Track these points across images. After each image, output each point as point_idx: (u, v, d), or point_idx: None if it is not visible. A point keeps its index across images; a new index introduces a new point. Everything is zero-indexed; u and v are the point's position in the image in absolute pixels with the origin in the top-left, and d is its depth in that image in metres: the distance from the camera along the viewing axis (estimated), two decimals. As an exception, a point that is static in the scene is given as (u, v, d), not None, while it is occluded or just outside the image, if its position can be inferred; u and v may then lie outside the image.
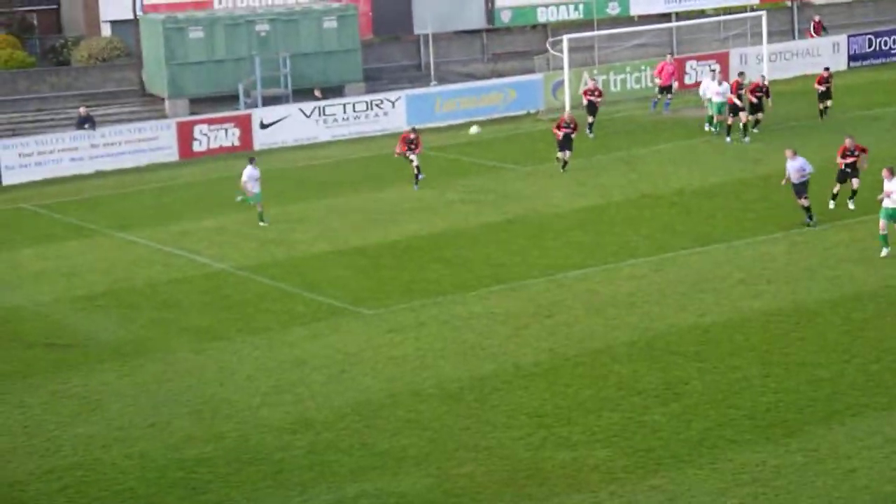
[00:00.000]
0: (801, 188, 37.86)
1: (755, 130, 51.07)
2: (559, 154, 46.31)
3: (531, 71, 61.14)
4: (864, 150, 39.44)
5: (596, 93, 52.90)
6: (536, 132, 54.91)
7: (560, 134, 45.91)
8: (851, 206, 39.16)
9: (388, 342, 30.69)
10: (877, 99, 56.20)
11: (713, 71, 56.38)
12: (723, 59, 62.94)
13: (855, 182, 39.22)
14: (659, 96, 57.47)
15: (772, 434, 24.13)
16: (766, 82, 52.18)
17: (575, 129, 46.21)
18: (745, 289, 33.31)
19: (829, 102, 53.89)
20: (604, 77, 59.57)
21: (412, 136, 45.50)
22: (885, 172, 34.94)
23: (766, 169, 45.43)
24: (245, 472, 23.62)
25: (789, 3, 72.55)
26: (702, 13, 70.16)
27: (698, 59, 62.88)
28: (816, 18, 70.12)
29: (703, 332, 30.25)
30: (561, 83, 56.36)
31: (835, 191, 39.52)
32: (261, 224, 42.03)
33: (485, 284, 34.86)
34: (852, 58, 67.46)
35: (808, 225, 37.89)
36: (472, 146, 52.99)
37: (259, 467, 23.78)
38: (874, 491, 21.51)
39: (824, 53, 66.27)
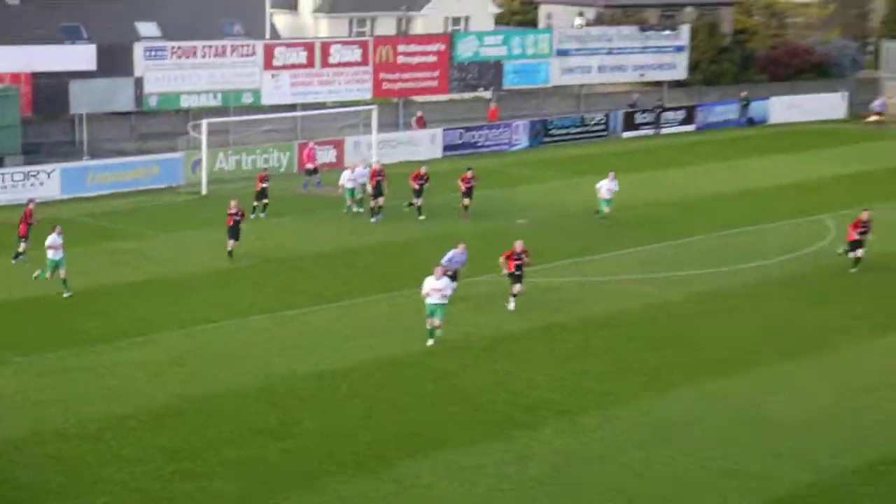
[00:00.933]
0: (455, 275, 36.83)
1: (377, 217, 50.36)
2: (229, 242, 43.83)
3: (174, 149, 60.54)
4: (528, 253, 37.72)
5: (265, 178, 51.31)
6: (176, 203, 54.35)
7: (230, 221, 43.79)
8: (511, 307, 37.81)
9: (36, 386, 29.84)
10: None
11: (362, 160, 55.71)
12: (339, 145, 63.88)
13: (517, 287, 37.44)
14: (307, 177, 57.75)
15: (370, 467, 24.80)
16: (380, 166, 51.78)
17: (242, 217, 44.09)
18: (355, 343, 33.99)
19: (466, 201, 51.62)
20: (237, 157, 59.92)
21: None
22: (437, 270, 34.09)
23: (372, 240, 46.74)
24: None
25: (395, 100, 74.05)
26: (323, 105, 70.83)
27: (319, 143, 63.54)
28: (419, 113, 71.89)
29: (318, 378, 30.77)
30: (199, 161, 56.54)
31: (514, 292, 37.93)
32: (65, 295, 39.04)
33: (128, 336, 34.38)
34: (446, 148, 69.16)
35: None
36: (118, 215, 51.88)
37: None
38: (451, 513, 22.50)
39: (423, 144, 68.09)
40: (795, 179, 61.41)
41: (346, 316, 36.83)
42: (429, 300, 33.85)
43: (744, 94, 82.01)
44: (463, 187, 52.00)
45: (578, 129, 75.33)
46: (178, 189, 56.72)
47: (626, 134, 76.79)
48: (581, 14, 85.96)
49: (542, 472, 25.07)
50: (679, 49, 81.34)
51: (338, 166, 59.02)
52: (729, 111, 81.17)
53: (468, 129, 71.26)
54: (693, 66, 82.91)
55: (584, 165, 64.07)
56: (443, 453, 25.74)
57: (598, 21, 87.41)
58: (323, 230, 49.26)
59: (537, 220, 51.30)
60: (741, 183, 60.48)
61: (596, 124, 76.24)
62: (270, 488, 23.74)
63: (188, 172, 57.69)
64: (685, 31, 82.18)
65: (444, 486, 23.96)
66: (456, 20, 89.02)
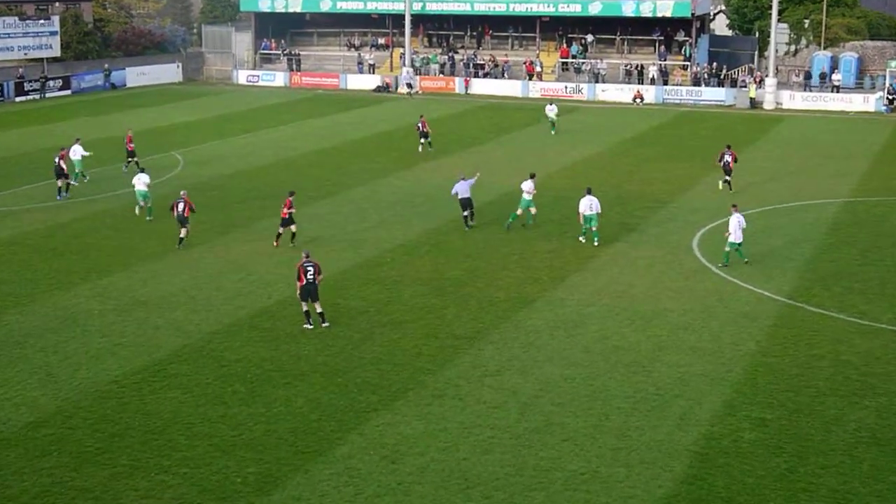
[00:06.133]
0: None
1: None
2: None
3: None
4: None
5: None
6: None
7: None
8: None
9: None
10: None
11: None
12: None
13: None
14: None
15: None
16: None
17: None
18: None
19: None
20: None
21: None
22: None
23: None
24: None
25: None
26: None
27: None
28: None
29: None
30: None
31: None
32: None
33: None
34: None
35: None
36: None
37: None
38: None
39: None
40: (149, 126, 56.70)
41: None
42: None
43: (106, 66, 76.09)
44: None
45: (-20, 96, 66.18)
46: None
47: (18, 98, 68.51)
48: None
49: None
50: (53, 33, 73.04)
51: None
52: (96, 79, 74.90)
53: None
54: (65, 46, 74.75)
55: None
56: None
57: None
58: None
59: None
60: (109, 132, 54.13)
61: (-6, 92, 67.38)
62: None
63: None
64: (56, 20, 73.93)
65: None
66: None
